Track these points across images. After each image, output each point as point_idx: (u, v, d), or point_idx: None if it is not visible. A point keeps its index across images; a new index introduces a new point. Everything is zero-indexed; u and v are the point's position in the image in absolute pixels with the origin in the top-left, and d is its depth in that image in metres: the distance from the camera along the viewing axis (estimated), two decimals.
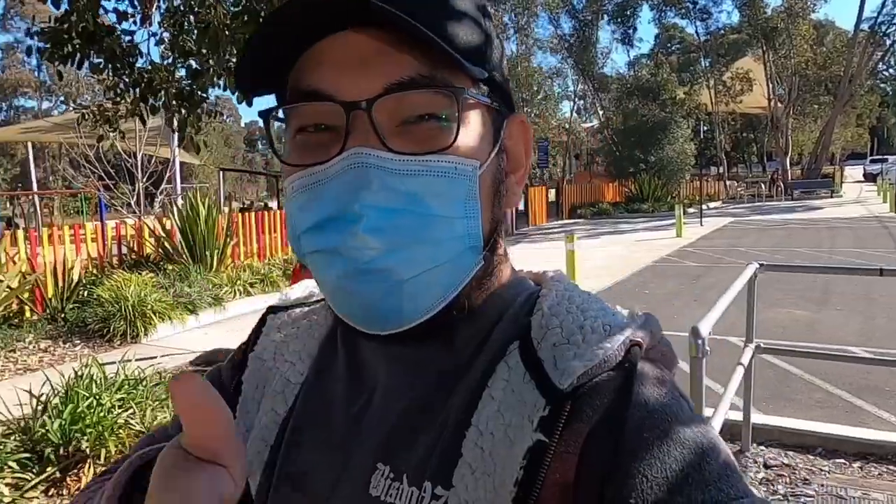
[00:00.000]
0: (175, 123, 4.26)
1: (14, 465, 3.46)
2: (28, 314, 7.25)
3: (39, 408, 3.85)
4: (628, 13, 30.56)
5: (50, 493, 3.49)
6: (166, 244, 9.38)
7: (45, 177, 33.11)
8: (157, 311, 7.15)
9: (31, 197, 23.99)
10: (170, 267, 8.74)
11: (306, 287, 0.70)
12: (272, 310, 0.68)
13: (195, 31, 4.14)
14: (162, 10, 4.50)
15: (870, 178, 37.67)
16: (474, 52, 0.50)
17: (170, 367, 5.36)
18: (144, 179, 13.62)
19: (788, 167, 30.75)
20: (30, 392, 3.94)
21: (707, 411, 2.87)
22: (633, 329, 0.51)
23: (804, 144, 35.61)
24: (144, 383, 4.28)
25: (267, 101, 0.52)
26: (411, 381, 0.54)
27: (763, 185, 30.03)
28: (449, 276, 0.49)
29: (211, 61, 4.11)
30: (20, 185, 32.12)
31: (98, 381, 4.07)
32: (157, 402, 4.13)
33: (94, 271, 8.54)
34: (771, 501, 2.96)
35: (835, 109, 27.89)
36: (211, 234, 9.24)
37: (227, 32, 3.89)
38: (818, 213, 20.37)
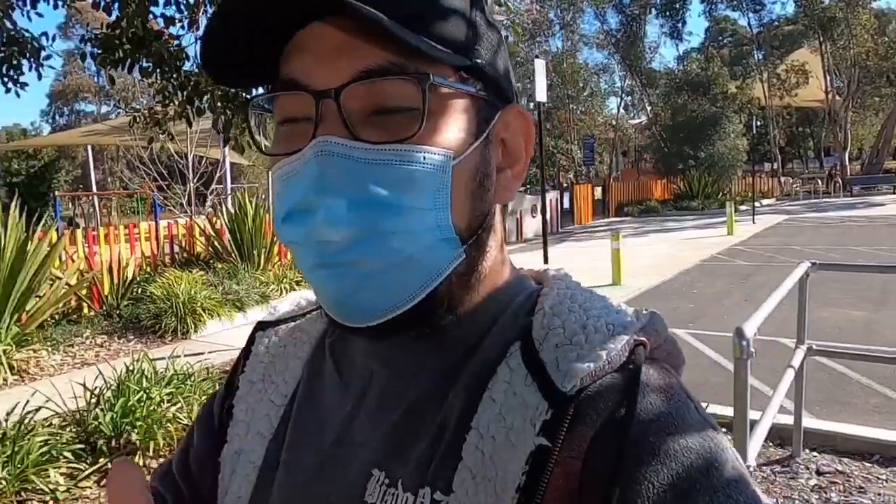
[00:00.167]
0: (220, 125, 4.38)
1: (69, 455, 3.60)
2: (86, 310, 7.55)
3: (93, 401, 4.00)
4: (677, 6, 29.86)
5: (102, 484, 3.62)
6: (216, 243, 9.63)
7: (103, 178, 34.39)
8: (206, 308, 7.36)
9: (90, 197, 24.96)
10: (219, 265, 8.97)
11: (296, 299, 0.69)
12: (260, 326, 0.67)
13: None
14: (208, 15, 4.62)
15: None
16: (456, 42, 0.48)
17: (217, 362, 5.49)
18: (195, 180, 14.00)
19: (847, 162, 29.64)
20: (84, 385, 4.09)
21: (754, 414, 2.78)
22: (637, 328, 0.49)
23: (864, 138, 34.31)
24: (192, 378, 4.40)
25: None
26: (405, 384, 0.52)
27: (820, 182, 28.97)
28: (422, 268, 0.47)
29: None
30: (81, 186, 33.46)
31: (148, 376, 4.20)
32: (204, 397, 4.24)
33: (148, 269, 8.83)
34: None
35: None
36: (258, 233, 9.45)
37: None
38: (878, 210, 19.53)
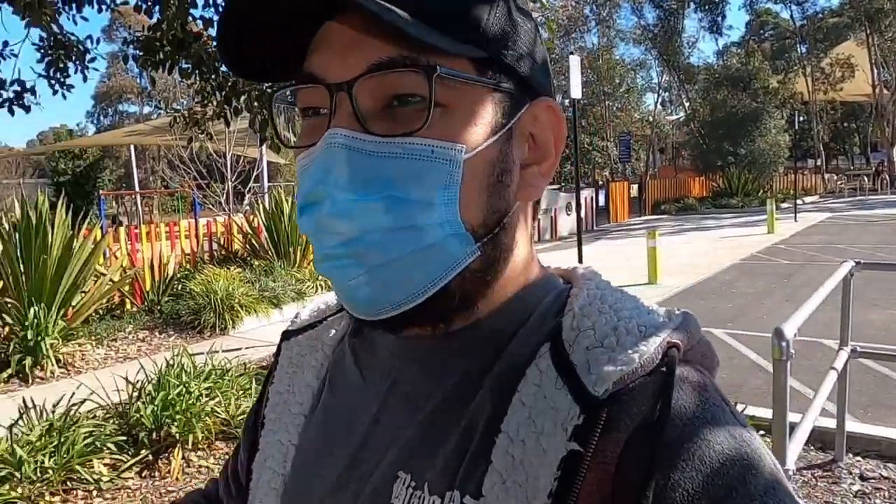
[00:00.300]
0: (257, 124, 4.45)
1: (112, 446, 3.71)
2: (128, 306, 7.76)
3: (135, 394, 4.11)
4: (717, 0, 29.27)
5: (143, 475, 3.72)
6: (253, 241, 9.80)
7: (146, 177, 35.25)
8: (243, 304, 7.49)
9: (133, 196, 25.61)
10: (256, 262, 9.12)
11: (317, 305, 0.69)
12: (285, 335, 0.68)
13: None
14: None
15: None
16: (474, 33, 0.47)
17: (254, 358, 5.59)
18: (233, 178, 14.25)
19: (894, 158, 28.65)
20: (126, 379, 4.21)
21: (794, 417, 2.72)
22: (670, 329, 0.47)
23: None
24: (230, 374, 4.48)
25: None
26: (430, 384, 0.52)
27: (866, 178, 28.07)
28: (431, 263, 0.47)
29: None
30: (124, 185, 34.34)
31: (188, 371, 4.30)
32: (241, 392, 4.32)
33: (188, 266, 9.02)
34: None
35: None
36: (294, 230, 9.57)
37: None
38: None
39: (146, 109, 48.66)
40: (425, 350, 0.53)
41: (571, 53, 7.65)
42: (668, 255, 10.83)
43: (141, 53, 4.44)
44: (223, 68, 4.46)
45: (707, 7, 29.45)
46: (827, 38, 29.52)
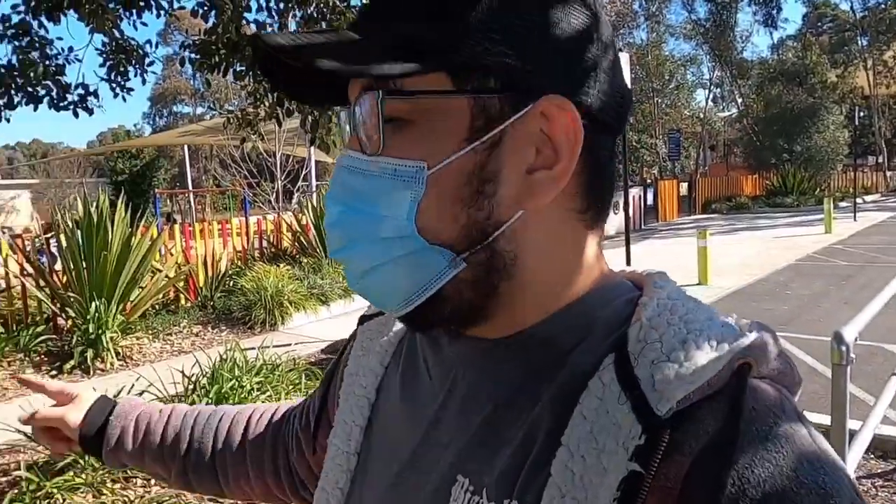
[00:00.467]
0: (308, 125, 4.53)
1: None
2: (182, 301, 8.01)
3: (190, 387, 4.24)
4: None
5: None
6: (301, 238, 9.98)
7: (199, 176, 36.28)
8: (292, 301, 7.65)
9: (186, 194, 26.37)
10: (304, 260, 9.29)
11: None
12: (362, 320, 0.71)
13: None
14: (297, 20, 4.79)
15: None
16: (439, 43, 0.46)
17: (303, 354, 5.70)
18: (283, 177, 14.53)
19: None
20: (182, 372, 4.34)
21: (854, 424, 2.63)
22: (743, 345, 0.45)
23: None
24: (280, 369, 4.58)
25: None
26: (489, 388, 0.52)
27: None
28: (411, 274, 0.48)
29: None
30: (178, 183, 35.43)
31: (240, 365, 4.42)
32: (291, 387, 4.41)
33: (239, 263, 9.25)
34: None
35: None
36: None
37: None
38: None
39: (199, 110, 50.08)
40: (482, 354, 0.53)
41: (620, 50, 7.54)
42: (719, 255, 10.57)
43: (197, 57, 4.57)
44: None
45: (762, 0, 28.62)
46: (890, 29, 28.32)
